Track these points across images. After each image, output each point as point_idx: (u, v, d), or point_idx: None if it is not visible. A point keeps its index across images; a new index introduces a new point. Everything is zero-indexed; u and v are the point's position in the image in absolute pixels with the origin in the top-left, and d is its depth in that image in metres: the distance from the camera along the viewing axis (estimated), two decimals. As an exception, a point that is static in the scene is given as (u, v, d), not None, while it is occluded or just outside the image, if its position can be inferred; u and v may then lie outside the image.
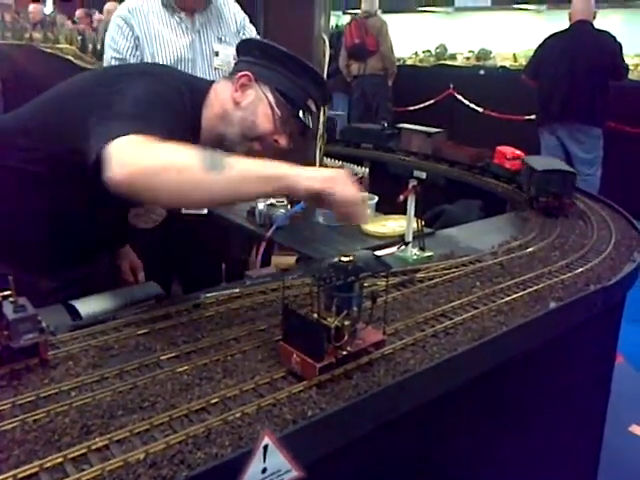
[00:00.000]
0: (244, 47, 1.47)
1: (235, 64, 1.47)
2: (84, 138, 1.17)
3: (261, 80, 1.38)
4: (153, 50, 2.05)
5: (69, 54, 4.50)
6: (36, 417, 0.88)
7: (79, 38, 4.60)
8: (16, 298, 0.99)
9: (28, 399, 0.92)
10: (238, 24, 2.18)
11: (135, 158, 1.06)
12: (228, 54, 2.09)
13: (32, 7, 8.19)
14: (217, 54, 2.11)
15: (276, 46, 1.40)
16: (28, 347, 0.99)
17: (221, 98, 1.39)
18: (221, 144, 1.37)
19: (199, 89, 1.40)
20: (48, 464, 0.78)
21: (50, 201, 1.34)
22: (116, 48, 2.06)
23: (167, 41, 2.06)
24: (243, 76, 1.38)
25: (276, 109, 1.38)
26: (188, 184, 1.06)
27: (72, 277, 1.47)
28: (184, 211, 1.40)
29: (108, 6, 7.10)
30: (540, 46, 4.75)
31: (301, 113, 1.40)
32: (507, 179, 2.66)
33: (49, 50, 4.48)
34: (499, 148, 2.83)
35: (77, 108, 1.26)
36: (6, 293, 0.98)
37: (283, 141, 1.41)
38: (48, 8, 12.54)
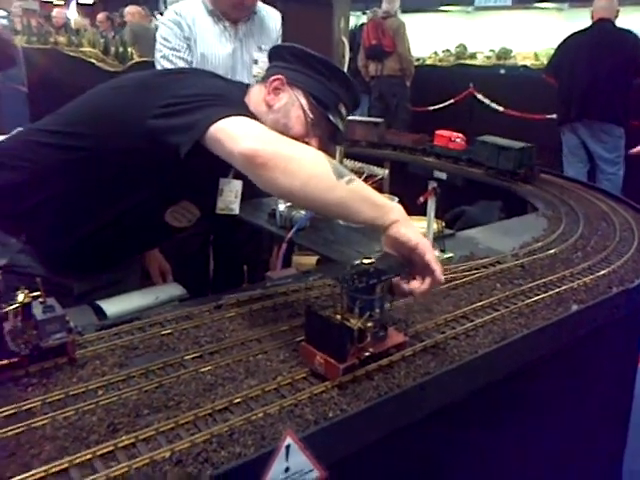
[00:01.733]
0: (276, 52, 1.49)
1: (268, 69, 1.48)
2: (155, 132, 1.23)
3: (293, 84, 1.40)
4: (203, 51, 2.10)
5: (92, 57, 4.56)
6: (65, 415, 0.90)
7: (102, 41, 4.67)
8: (45, 299, 1.02)
9: (57, 397, 0.95)
10: (277, 32, 2.22)
11: (272, 138, 1.14)
12: (267, 62, 2.13)
13: (56, 12, 8.34)
14: (256, 62, 2.16)
15: (308, 50, 1.41)
16: (57, 346, 1.02)
17: (254, 101, 1.41)
18: None
19: (238, 92, 1.43)
20: (77, 460, 0.80)
21: (94, 202, 1.37)
22: (172, 47, 2.12)
23: (211, 46, 2.11)
24: (276, 80, 1.40)
25: (308, 112, 1.39)
26: (317, 181, 1.11)
27: (104, 280, 1.51)
28: (218, 211, 1.42)
29: (129, 9, 7.20)
30: (561, 44, 4.71)
31: (332, 117, 1.41)
32: (453, 158, 3.17)
33: (72, 53, 4.55)
34: (438, 132, 3.33)
35: (135, 106, 1.29)
36: (36, 294, 1.00)
37: (314, 144, 1.41)
38: (71, 12, 12.74)
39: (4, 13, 9.35)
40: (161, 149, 1.23)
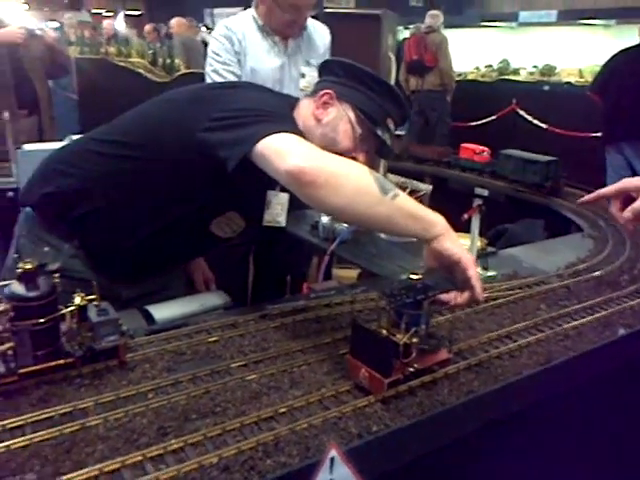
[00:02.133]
0: (326, 67, 1.50)
1: (317, 83, 1.51)
2: (204, 145, 1.26)
3: (342, 98, 1.41)
4: (253, 65, 2.16)
5: (140, 68, 4.69)
6: (116, 416, 0.93)
7: (150, 52, 4.80)
8: (100, 302, 1.05)
9: (109, 398, 0.98)
10: (325, 47, 2.26)
11: (318, 155, 1.16)
12: (314, 76, 2.17)
13: (106, 23, 8.61)
14: (303, 75, 2.20)
15: (358, 65, 1.43)
16: (109, 349, 1.05)
17: (303, 115, 1.43)
18: None
19: (286, 107, 1.45)
20: (129, 461, 0.83)
21: (143, 211, 1.41)
22: (222, 61, 2.18)
23: (260, 60, 2.16)
24: (325, 94, 1.41)
25: (356, 127, 1.40)
26: (364, 197, 1.13)
27: (151, 287, 1.55)
28: (265, 223, 1.44)
29: (175, 21, 7.38)
30: (608, 62, 4.63)
31: (380, 131, 1.42)
32: (477, 170, 3.36)
33: (122, 63, 4.69)
34: (464, 145, 3.53)
35: (186, 118, 1.32)
36: (91, 297, 1.04)
37: (361, 158, 1.42)
38: (119, 23, 13.13)
39: (57, 24, 9.70)
40: (210, 162, 1.26)
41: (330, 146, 1.37)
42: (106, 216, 1.41)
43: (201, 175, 1.34)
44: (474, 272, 1.14)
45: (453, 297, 1.16)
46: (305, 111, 1.44)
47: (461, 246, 1.16)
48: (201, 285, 1.80)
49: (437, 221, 1.16)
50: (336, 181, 1.12)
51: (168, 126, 1.36)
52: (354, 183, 1.14)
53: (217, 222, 1.48)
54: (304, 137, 1.25)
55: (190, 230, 1.46)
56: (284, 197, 1.43)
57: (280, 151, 1.16)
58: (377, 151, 1.48)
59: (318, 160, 1.15)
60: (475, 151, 3.41)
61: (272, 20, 2.15)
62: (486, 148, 3.45)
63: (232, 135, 1.23)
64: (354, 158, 1.40)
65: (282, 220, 1.45)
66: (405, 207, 1.15)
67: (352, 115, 1.40)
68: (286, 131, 1.21)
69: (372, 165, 1.32)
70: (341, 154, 1.37)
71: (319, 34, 2.27)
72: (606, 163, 4.63)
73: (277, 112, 1.31)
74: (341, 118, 1.40)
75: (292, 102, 1.49)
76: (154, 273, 1.55)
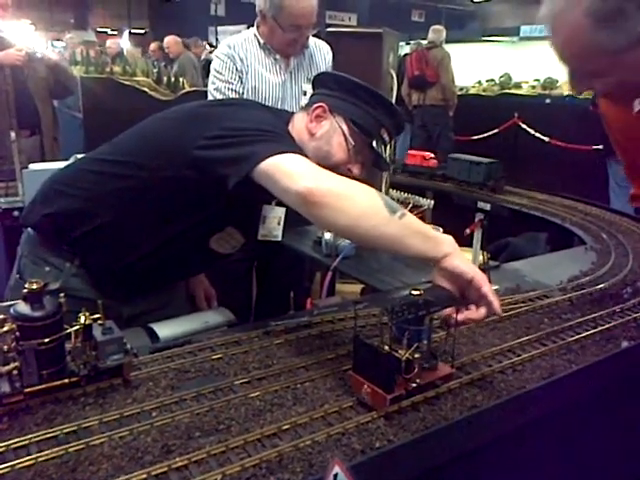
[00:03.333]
0: (320, 80, 1.52)
1: (311, 96, 1.52)
2: (200, 162, 1.27)
3: (335, 111, 1.42)
4: (255, 84, 2.19)
5: (145, 86, 4.74)
6: (121, 434, 0.93)
7: (155, 71, 4.86)
8: (104, 321, 1.06)
9: (113, 417, 0.98)
10: (327, 64, 2.29)
11: (326, 177, 1.17)
12: None
13: (110, 42, 8.72)
14: (305, 93, 2.22)
15: (350, 78, 1.44)
16: (113, 367, 1.06)
17: (297, 129, 1.44)
18: None
19: (282, 123, 1.46)
20: (133, 479, 0.83)
21: (143, 228, 1.42)
22: (225, 79, 2.21)
23: (263, 78, 2.19)
24: (318, 107, 1.42)
25: (350, 139, 1.41)
26: (371, 217, 1.14)
27: (151, 305, 1.55)
28: (260, 237, 1.45)
29: (167, 41, 7.48)
30: None
31: (375, 143, 1.44)
32: (427, 175, 3.71)
33: (127, 82, 4.74)
34: (410, 152, 3.97)
35: (184, 135, 1.33)
36: (96, 316, 1.05)
37: (356, 170, 1.43)
38: (124, 42, 13.29)
39: (62, 43, 9.82)
40: (207, 179, 1.27)
41: (324, 159, 1.39)
42: (106, 235, 1.42)
43: (199, 192, 1.34)
44: (488, 288, 1.13)
45: (470, 315, 1.15)
46: (299, 125, 1.45)
47: (470, 264, 1.16)
48: (202, 302, 1.81)
49: (445, 240, 1.17)
50: (344, 202, 1.14)
51: (166, 144, 1.37)
52: (362, 204, 1.15)
53: (216, 238, 1.48)
54: (300, 149, 1.26)
55: (190, 247, 1.46)
56: (280, 211, 1.44)
57: (288, 172, 1.17)
58: (373, 163, 1.49)
59: (326, 181, 1.16)
60: (424, 157, 3.80)
61: (274, 39, 2.18)
62: (431, 154, 3.88)
63: (233, 153, 1.24)
64: (349, 170, 1.43)
65: (278, 234, 1.46)
66: (413, 227, 1.16)
67: (345, 128, 1.41)
68: (292, 151, 1.22)
69: (369, 178, 1.33)
70: (336, 167, 1.39)
71: (321, 52, 2.30)
72: (609, 176, 4.64)
73: (277, 130, 1.32)
74: (334, 131, 1.41)
75: (287, 117, 1.50)
76: (155, 290, 1.56)
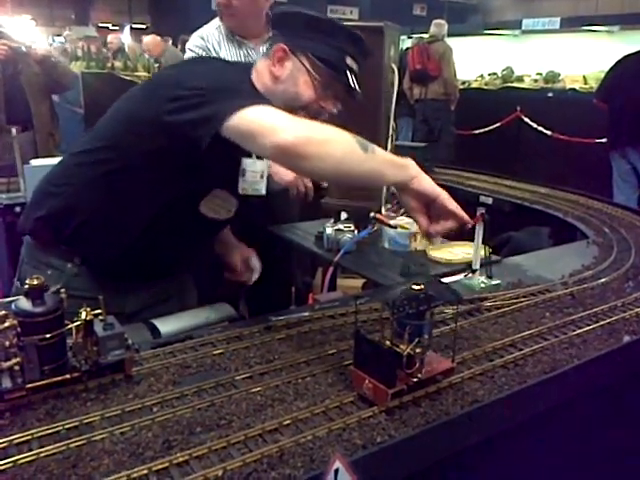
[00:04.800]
0: (275, 21, 1.47)
1: (269, 39, 1.48)
2: (172, 127, 1.24)
3: (296, 50, 1.38)
4: None
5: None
6: (122, 430, 0.94)
7: (156, 66, 4.86)
8: (105, 316, 1.06)
9: (115, 412, 0.98)
10: None
11: (298, 126, 1.17)
12: None
13: (111, 37, 8.69)
14: None
15: (305, 12, 1.40)
16: (115, 363, 1.06)
17: (262, 77, 1.41)
18: None
19: (244, 74, 1.43)
20: (135, 475, 0.83)
21: (130, 208, 1.40)
22: None
23: None
24: (278, 50, 1.39)
25: (314, 74, 1.37)
26: (349, 159, 1.17)
27: (154, 298, 1.56)
28: (241, 191, 1.41)
29: (146, 41, 7.44)
30: (612, 67, 4.63)
31: (340, 73, 1.38)
32: None
33: (128, 77, 4.74)
34: None
35: (149, 105, 1.32)
36: (97, 312, 1.05)
37: (329, 106, 1.41)
38: (125, 37, 13.25)
39: (61, 39, 9.81)
40: (182, 143, 1.25)
41: (294, 101, 1.37)
42: (98, 225, 1.41)
43: (176, 159, 1.32)
44: (454, 205, 1.21)
45: (439, 228, 1.23)
46: (263, 72, 1.42)
47: (434, 184, 1.22)
48: (238, 267, 1.74)
49: (409, 165, 1.22)
50: (324, 149, 1.15)
51: (136, 118, 1.36)
52: (341, 147, 1.16)
53: (206, 203, 1.45)
54: (271, 104, 1.24)
55: (182, 217, 1.44)
56: (261, 165, 1.39)
57: (261, 127, 1.15)
58: (346, 92, 1.43)
59: (303, 131, 1.15)
60: None
61: (223, 19, 2.16)
62: None
63: (199, 114, 1.21)
64: (322, 107, 1.41)
65: (260, 188, 1.41)
66: (386, 159, 1.21)
67: (308, 64, 1.37)
68: (258, 103, 1.19)
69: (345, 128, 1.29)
70: (308, 106, 1.39)
71: None
72: (612, 169, 4.63)
73: (238, 83, 1.30)
74: (299, 70, 1.38)
75: (248, 68, 1.46)
76: (160, 274, 1.56)
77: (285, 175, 1.93)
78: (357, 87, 1.40)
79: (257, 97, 1.27)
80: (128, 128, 1.37)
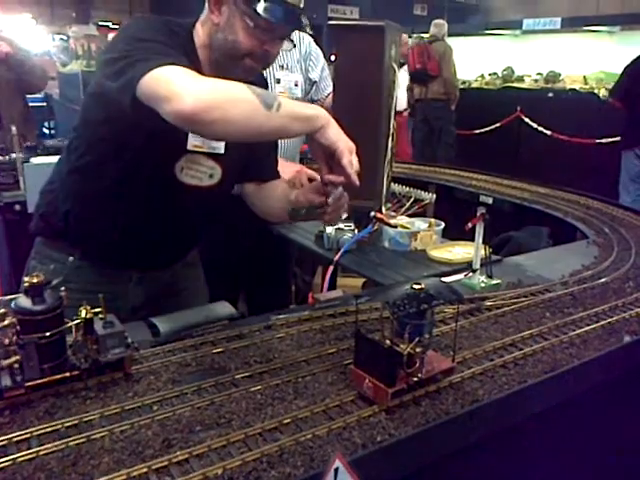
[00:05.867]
0: None
1: None
2: (109, 94, 1.22)
3: None
4: None
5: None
6: (122, 428, 0.93)
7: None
8: (105, 315, 1.06)
9: (114, 411, 0.98)
10: (303, 49, 2.24)
11: (199, 90, 1.10)
12: (290, 80, 2.17)
13: (111, 36, 8.69)
14: (279, 81, 2.17)
15: None
16: (114, 361, 1.06)
17: (205, 27, 1.36)
18: (219, 73, 1.29)
19: (187, 28, 1.38)
20: (134, 473, 0.83)
21: (108, 188, 1.41)
22: None
23: None
24: None
25: (248, 20, 1.27)
26: (252, 120, 1.12)
27: (158, 291, 1.56)
28: (190, 147, 1.37)
29: None
30: (627, 68, 4.56)
31: (265, 11, 1.26)
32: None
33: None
34: None
35: (98, 74, 1.30)
36: (96, 310, 1.05)
37: (274, 49, 1.34)
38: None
39: (64, 37, 9.79)
40: (114, 108, 1.23)
41: (234, 50, 1.31)
42: (82, 211, 1.45)
43: (119, 123, 1.30)
44: (347, 161, 1.17)
45: (333, 179, 1.21)
46: (206, 23, 1.36)
47: (340, 135, 1.18)
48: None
49: (318, 114, 1.18)
50: (223, 114, 1.09)
51: (89, 97, 1.41)
52: (242, 111, 1.10)
53: (182, 170, 1.41)
54: (211, 66, 1.22)
55: (162, 188, 1.41)
56: None
57: (164, 91, 1.10)
58: (293, 28, 1.37)
59: (202, 96, 1.08)
60: None
61: None
62: None
63: (121, 78, 1.18)
64: (266, 50, 1.32)
65: (218, 145, 1.38)
66: (291, 114, 1.15)
67: (244, 7, 1.27)
68: (165, 64, 1.13)
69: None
70: (251, 52, 1.31)
71: (295, 35, 2.24)
72: (616, 169, 4.61)
73: (157, 42, 1.23)
74: (234, 15, 1.29)
75: (191, 21, 1.40)
76: (161, 261, 1.57)
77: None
78: (301, 24, 1.33)
79: (169, 55, 1.19)
80: (85, 107, 1.42)
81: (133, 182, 1.40)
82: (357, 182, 1.19)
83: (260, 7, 1.25)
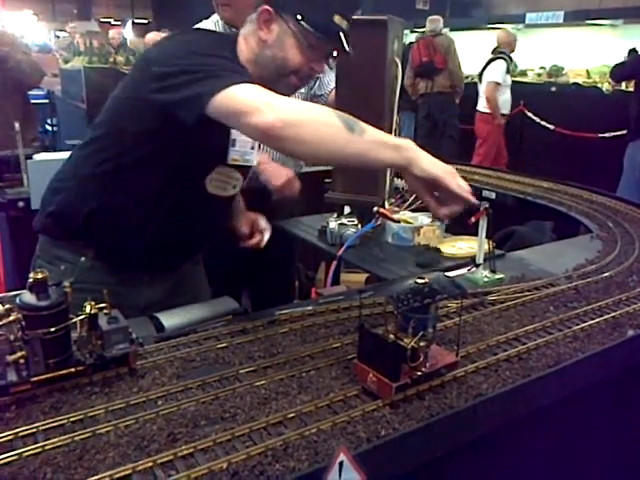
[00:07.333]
0: None
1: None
2: (162, 106, 1.23)
3: (282, 11, 1.32)
4: None
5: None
6: (127, 423, 0.94)
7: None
8: (110, 310, 1.06)
9: (119, 406, 0.99)
10: None
11: (280, 107, 1.13)
12: None
13: (112, 32, 8.67)
14: None
15: None
16: (119, 356, 1.06)
17: (250, 43, 1.37)
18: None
19: (232, 42, 1.40)
20: (140, 467, 0.84)
21: (135, 196, 1.40)
22: None
23: None
24: (263, 12, 1.33)
25: (302, 38, 1.31)
26: (334, 140, 1.13)
27: (169, 291, 1.56)
28: (230, 161, 1.40)
29: (149, 37, 7.40)
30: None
31: (327, 34, 1.31)
32: None
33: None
34: None
35: (139, 84, 1.31)
36: (101, 305, 1.05)
37: (319, 67, 1.37)
38: (127, 32, 13.22)
39: (65, 34, 9.79)
40: (168, 121, 1.24)
41: (283, 67, 1.34)
42: (106, 214, 1.42)
43: (168, 136, 1.32)
44: (456, 186, 1.15)
45: (445, 212, 1.19)
46: (250, 37, 1.37)
47: (437, 163, 1.16)
48: (244, 232, 1.69)
49: (407, 146, 1.16)
50: (304, 131, 1.12)
51: (125, 101, 1.37)
52: (322, 129, 1.13)
53: (212, 181, 1.44)
54: (257, 81, 1.21)
55: (188, 197, 1.43)
56: None
57: (243, 107, 1.13)
58: (337, 50, 1.37)
59: (284, 112, 1.12)
60: None
61: (218, 8, 2.13)
62: None
63: (185, 93, 1.19)
64: (312, 69, 1.36)
65: (251, 159, 1.41)
66: (375, 140, 1.16)
67: (294, 26, 1.30)
68: (241, 81, 1.16)
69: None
70: (298, 70, 1.35)
71: None
72: (619, 163, 4.58)
73: (224, 58, 1.26)
74: (285, 33, 1.32)
75: (234, 36, 1.42)
76: (174, 263, 1.56)
77: (274, 179, 1.91)
78: (348, 47, 1.34)
79: (241, 73, 1.23)
80: (120, 111, 1.38)
81: (166, 191, 1.40)
82: (475, 201, 1.19)
83: (312, 26, 1.29)
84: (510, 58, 6.03)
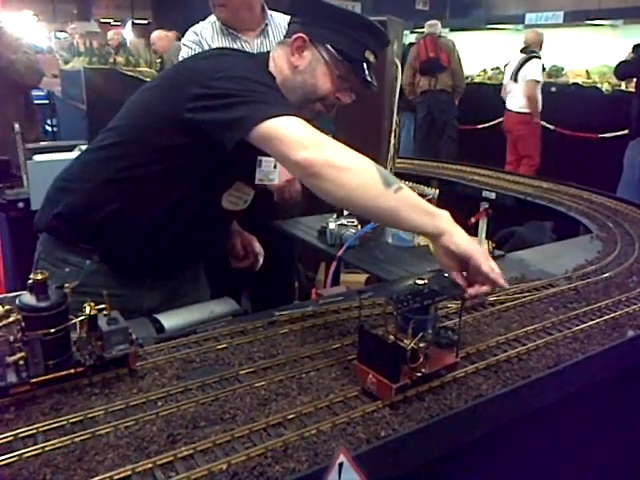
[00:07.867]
0: (295, 8, 1.44)
1: (289, 24, 1.44)
2: (195, 125, 1.24)
3: (315, 39, 1.36)
4: None
5: (148, 77, 4.74)
6: (127, 424, 0.94)
7: (158, 61, 4.85)
8: (109, 311, 1.06)
9: (119, 407, 0.98)
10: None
11: (324, 145, 1.15)
12: None
13: (112, 33, 8.67)
14: None
15: (327, 2, 1.37)
16: (119, 357, 1.06)
17: (279, 65, 1.40)
18: None
19: (262, 67, 1.41)
20: (139, 469, 0.83)
21: (149, 205, 1.39)
22: None
23: None
24: (297, 39, 1.36)
25: (334, 68, 1.35)
26: (366, 190, 1.14)
27: (171, 295, 1.56)
28: (257, 182, 1.44)
29: (156, 35, 7.40)
30: None
31: (358, 67, 1.37)
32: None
33: (130, 73, 4.73)
34: None
35: (169, 99, 1.31)
36: (101, 307, 1.05)
37: (345, 98, 1.41)
38: (127, 32, 13.23)
39: (65, 35, 9.78)
40: (202, 141, 1.26)
41: (311, 93, 1.37)
42: (118, 220, 1.40)
43: (197, 154, 1.32)
44: (487, 267, 1.13)
45: (473, 292, 1.17)
46: (280, 61, 1.40)
47: (469, 240, 1.16)
48: (239, 250, 1.74)
49: (441, 216, 1.17)
50: (342, 174, 1.13)
51: (153, 113, 1.35)
52: (358, 176, 1.14)
53: (227, 196, 1.47)
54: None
55: (203, 210, 1.44)
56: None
57: (286, 140, 1.15)
58: (361, 85, 1.41)
59: (325, 152, 1.14)
60: None
61: (215, 11, 2.14)
62: None
63: (225, 116, 1.20)
64: (337, 99, 1.40)
65: (274, 178, 1.43)
66: (409, 201, 1.16)
67: (327, 56, 1.35)
68: (286, 113, 1.18)
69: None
70: (324, 97, 1.38)
71: (283, 27, 2.23)
72: (618, 163, 4.58)
73: (264, 84, 1.27)
74: (317, 61, 1.36)
75: (265, 58, 1.44)
76: (178, 269, 1.57)
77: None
78: (373, 81, 1.39)
79: (287, 105, 1.25)
80: (146, 123, 1.36)
81: (184, 204, 1.40)
82: (507, 285, 1.19)
83: (346, 58, 1.34)
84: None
